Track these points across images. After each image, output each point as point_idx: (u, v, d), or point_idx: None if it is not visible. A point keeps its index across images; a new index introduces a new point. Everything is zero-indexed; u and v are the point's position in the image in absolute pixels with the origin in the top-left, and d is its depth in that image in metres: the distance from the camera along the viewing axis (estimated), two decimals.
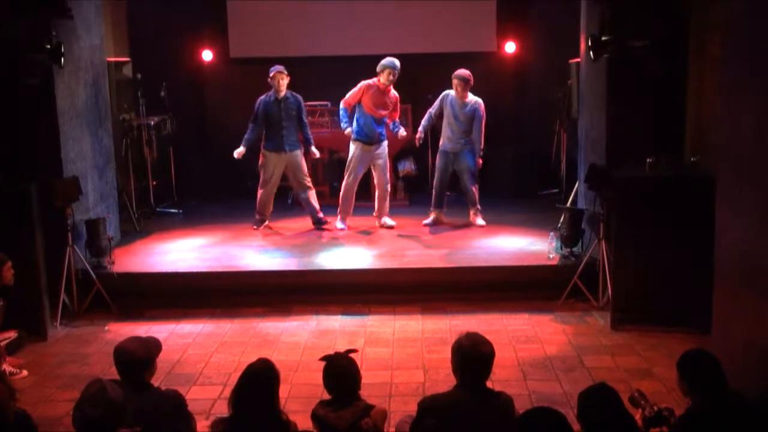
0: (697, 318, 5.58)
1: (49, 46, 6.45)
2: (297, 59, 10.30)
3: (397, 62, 7.99)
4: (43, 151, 6.82)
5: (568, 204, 8.32)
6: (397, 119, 8.32)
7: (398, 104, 8.27)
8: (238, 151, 8.15)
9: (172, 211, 9.50)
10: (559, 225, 7.32)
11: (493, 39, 10.25)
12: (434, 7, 10.13)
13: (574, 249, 7.14)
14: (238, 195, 10.10)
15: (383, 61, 8.00)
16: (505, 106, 10.24)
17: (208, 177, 10.16)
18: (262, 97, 8.16)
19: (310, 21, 10.17)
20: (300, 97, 8.19)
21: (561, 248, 7.18)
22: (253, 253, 7.64)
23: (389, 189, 8.41)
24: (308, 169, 8.62)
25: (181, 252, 7.70)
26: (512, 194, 9.69)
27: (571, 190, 8.57)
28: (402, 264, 7.22)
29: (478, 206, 8.43)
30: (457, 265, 7.13)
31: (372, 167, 8.31)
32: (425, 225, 8.41)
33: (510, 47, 10.29)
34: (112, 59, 8.77)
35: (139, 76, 9.26)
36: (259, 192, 8.37)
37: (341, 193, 8.36)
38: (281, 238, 8.12)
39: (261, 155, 8.26)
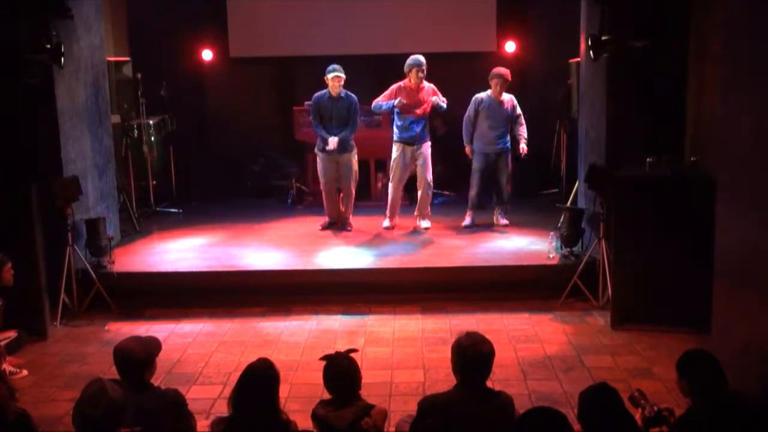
0: (697, 318, 5.58)
1: (49, 46, 6.45)
2: (297, 59, 10.33)
3: (421, 59, 7.95)
4: (43, 151, 6.82)
5: (568, 204, 8.32)
6: (442, 102, 8.09)
7: (437, 93, 8.10)
8: (333, 141, 7.89)
9: (172, 211, 9.50)
10: (559, 225, 7.32)
11: (493, 39, 10.25)
12: (434, 7, 10.13)
13: (574, 249, 7.14)
14: (238, 195, 10.12)
15: (408, 61, 7.97)
16: None
17: (208, 177, 10.16)
18: (317, 93, 8.08)
19: (310, 21, 10.17)
20: (354, 97, 8.03)
21: (561, 248, 7.18)
22: (253, 253, 7.64)
23: (430, 191, 8.30)
24: (308, 168, 8.62)
25: (181, 252, 7.70)
26: (512, 194, 9.67)
27: (571, 190, 8.57)
28: (402, 264, 7.22)
29: (508, 206, 8.48)
30: (457, 265, 7.13)
31: (415, 168, 8.28)
32: (464, 227, 8.33)
33: (510, 47, 10.29)
34: (112, 59, 8.78)
35: (139, 76, 9.27)
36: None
37: (389, 198, 8.33)
38: (281, 238, 8.12)
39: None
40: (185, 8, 10.09)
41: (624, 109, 6.91)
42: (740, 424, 3.44)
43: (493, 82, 8.08)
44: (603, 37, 6.72)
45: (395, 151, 8.16)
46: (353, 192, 8.30)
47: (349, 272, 7.09)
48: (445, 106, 8.16)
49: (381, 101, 8.08)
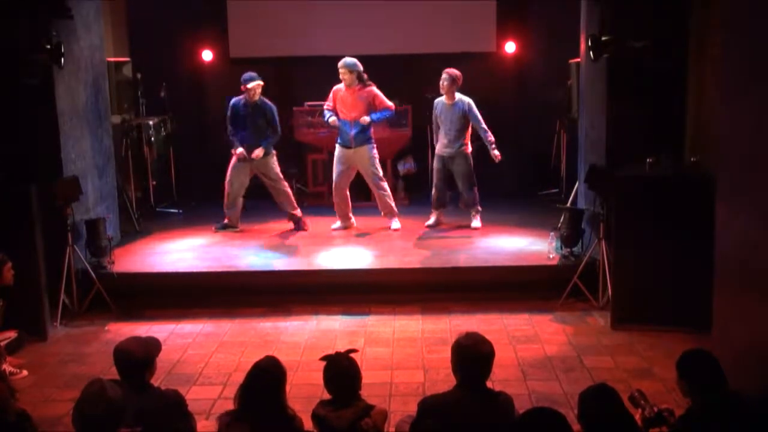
0: (697, 318, 5.58)
1: (49, 46, 6.44)
2: (297, 59, 10.32)
3: (348, 61, 7.89)
4: (43, 151, 6.82)
5: (568, 204, 8.31)
6: (382, 111, 8.02)
7: (377, 98, 7.99)
8: (257, 153, 8.00)
9: (172, 211, 9.51)
10: (559, 225, 7.32)
11: (493, 39, 10.24)
12: (434, 7, 10.13)
13: (574, 249, 7.14)
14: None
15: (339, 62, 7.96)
16: (505, 106, 10.24)
17: (208, 177, 10.14)
18: (233, 100, 8.05)
19: (310, 21, 10.17)
20: (269, 104, 8.04)
21: (561, 248, 7.18)
22: (253, 253, 7.64)
23: (381, 191, 8.23)
24: (308, 168, 8.61)
25: (181, 252, 7.70)
26: (512, 194, 9.69)
27: (571, 190, 8.57)
28: (402, 264, 7.22)
29: (478, 207, 8.39)
30: (457, 265, 7.13)
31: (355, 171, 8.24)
32: (427, 227, 8.40)
33: (510, 47, 10.29)
34: (112, 59, 8.77)
35: (139, 76, 9.26)
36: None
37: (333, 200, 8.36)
38: (281, 238, 8.12)
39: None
40: (185, 8, 10.09)
41: (624, 109, 6.90)
42: (740, 424, 3.44)
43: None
44: (603, 37, 6.71)
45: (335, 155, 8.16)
46: (287, 190, 8.30)
47: (349, 272, 7.10)
48: (387, 114, 8.04)
49: (325, 110, 8.14)
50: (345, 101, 8.02)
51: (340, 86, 8.06)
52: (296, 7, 10.22)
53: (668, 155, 6.41)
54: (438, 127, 8.27)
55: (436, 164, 8.38)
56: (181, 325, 6.48)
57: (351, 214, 8.45)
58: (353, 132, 8.01)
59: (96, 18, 7.71)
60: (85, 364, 5.74)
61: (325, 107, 8.20)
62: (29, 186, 6.19)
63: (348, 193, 8.35)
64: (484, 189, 9.06)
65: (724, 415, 3.44)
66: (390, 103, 8.10)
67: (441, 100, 8.18)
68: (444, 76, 8.04)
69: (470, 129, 8.16)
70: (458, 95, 8.10)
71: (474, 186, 8.31)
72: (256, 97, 7.96)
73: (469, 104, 8.08)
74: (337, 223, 8.42)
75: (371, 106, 8.02)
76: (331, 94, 8.13)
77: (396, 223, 8.36)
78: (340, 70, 7.92)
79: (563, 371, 5.44)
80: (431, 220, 8.47)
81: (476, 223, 8.37)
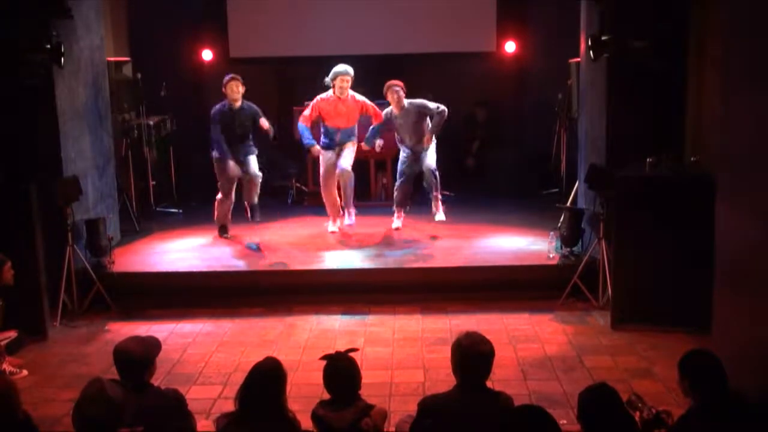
0: (697, 318, 5.58)
1: (49, 46, 6.45)
2: (297, 59, 10.33)
3: (344, 68, 7.63)
4: (43, 151, 6.82)
5: (568, 204, 8.32)
6: (375, 124, 7.92)
7: (372, 108, 7.85)
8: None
9: (172, 211, 9.50)
10: (559, 225, 7.33)
11: (493, 39, 10.24)
12: (434, 6, 10.13)
13: (574, 249, 7.15)
14: (238, 195, 10.09)
15: (333, 69, 7.68)
16: (505, 106, 10.24)
17: (208, 177, 10.14)
18: (217, 107, 7.85)
19: (309, 21, 10.17)
20: (254, 108, 7.85)
21: (561, 248, 7.19)
22: (254, 253, 7.64)
23: (351, 184, 7.97)
24: (308, 168, 8.52)
25: (181, 252, 7.70)
26: (512, 194, 9.68)
27: (571, 190, 8.57)
28: (402, 264, 7.22)
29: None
30: (457, 265, 7.13)
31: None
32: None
33: (510, 47, 10.28)
34: (112, 59, 8.77)
35: (139, 76, 9.27)
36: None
37: (325, 203, 8.16)
38: (281, 238, 8.12)
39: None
40: (185, 8, 10.10)
41: (624, 109, 6.90)
42: (740, 424, 3.44)
43: (388, 94, 7.75)
44: (603, 37, 6.72)
45: (320, 157, 7.92)
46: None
47: (349, 272, 7.10)
48: (379, 144, 7.86)
49: (303, 123, 7.82)
50: (338, 111, 7.76)
51: (327, 97, 7.76)
52: (296, 7, 10.22)
53: (668, 155, 6.41)
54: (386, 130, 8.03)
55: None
56: (181, 325, 6.48)
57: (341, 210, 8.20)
58: (339, 138, 7.82)
59: (96, 18, 7.71)
60: (85, 364, 5.75)
61: (302, 122, 7.82)
62: (29, 186, 6.19)
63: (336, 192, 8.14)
64: (485, 189, 9.07)
65: (724, 415, 3.44)
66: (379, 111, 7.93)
67: (390, 110, 7.87)
68: (394, 89, 7.72)
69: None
70: (405, 102, 7.83)
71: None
72: (238, 104, 7.71)
73: (422, 104, 7.86)
74: (331, 226, 8.17)
75: (363, 116, 7.88)
76: (312, 108, 7.80)
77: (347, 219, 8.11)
78: (344, 78, 7.60)
79: (563, 371, 5.45)
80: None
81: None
